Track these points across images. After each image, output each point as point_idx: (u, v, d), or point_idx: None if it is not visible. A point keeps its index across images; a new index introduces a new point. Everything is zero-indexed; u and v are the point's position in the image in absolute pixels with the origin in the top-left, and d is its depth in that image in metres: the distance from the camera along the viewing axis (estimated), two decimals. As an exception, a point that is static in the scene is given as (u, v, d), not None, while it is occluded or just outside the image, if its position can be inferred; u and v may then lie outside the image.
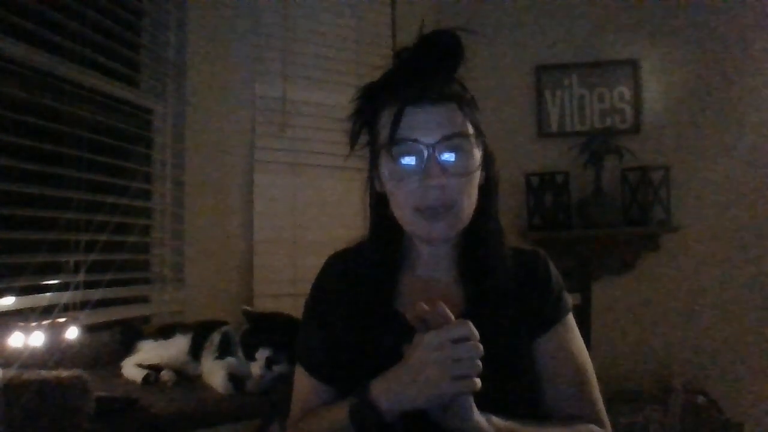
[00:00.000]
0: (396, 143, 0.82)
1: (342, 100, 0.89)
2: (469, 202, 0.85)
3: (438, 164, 0.80)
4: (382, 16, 2.56)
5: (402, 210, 0.86)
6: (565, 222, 2.68)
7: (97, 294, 1.56)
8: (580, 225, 2.67)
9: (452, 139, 0.81)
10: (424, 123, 0.81)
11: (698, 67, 2.77)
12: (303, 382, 0.93)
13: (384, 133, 0.84)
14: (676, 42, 2.79)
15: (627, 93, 2.83)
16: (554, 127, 2.88)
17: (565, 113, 2.87)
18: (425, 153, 0.81)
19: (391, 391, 0.74)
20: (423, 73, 0.83)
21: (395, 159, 0.83)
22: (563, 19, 2.89)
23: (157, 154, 1.94)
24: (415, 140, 0.81)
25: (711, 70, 2.76)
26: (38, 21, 1.44)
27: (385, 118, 0.84)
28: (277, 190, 2.23)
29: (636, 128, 2.80)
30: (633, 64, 2.82)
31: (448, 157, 0.82)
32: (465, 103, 0.85)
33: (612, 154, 2.62)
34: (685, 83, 2.78)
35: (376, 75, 0.89)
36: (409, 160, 0.83)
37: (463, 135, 0.82)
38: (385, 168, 0.86)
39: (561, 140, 2.83)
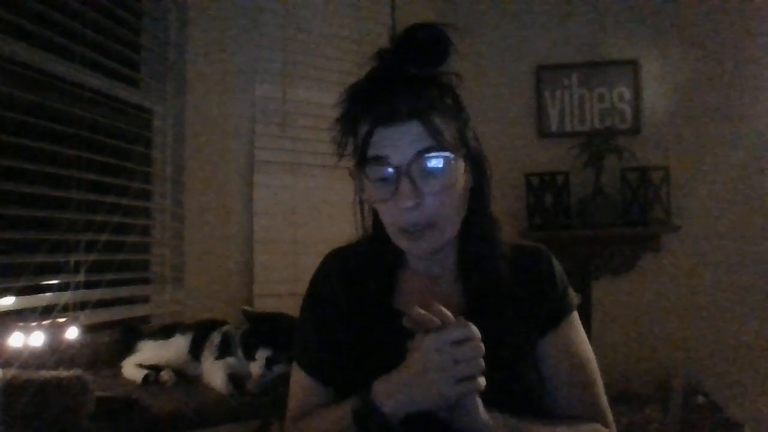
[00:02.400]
0: (367, 165, 0.81)
1: (339, 99, 0.88)
2: (452, 214, 0.83)
3: (409, 185, 0.78)
4: (382, 16, 2.56)
5: (386, 225, 0.86)
6: (565, 222, 2.68)
7: (97, 294, 1.56)
8: (580, 225, 2.67)
9: (423, 157, 0.79)
10: (395, 142, 0.79)
11: (698, 67, 2.77)
12: (300, 382, 0.92)
13: (358, 153, 0.83)
14: (676, 42, 2.80)
15: (627, 93, 2.83)
16: (554, 127, 2.88)
17: (565, 113, 2.87)
18: (396, 174, 0.79)
19: (395, 394, 0.74)
20: (399, 80, 0.80)
21: (370, 179, 0.82)
22: (563, 19, 2.89)
23: (157, 154, 1.94)
24: (386, 161, 0.79)
25: (711, 70, 2.76)
26: (38, 21, 1.44)
27: (360, 134, 0.82)
28: (277, 190, 2.23)
29: (636, 128, 2.80)
30: (633, 64, 2.82)
31: (421, 175, 0.79)
32: (442, 112, 0.81)
33: (612, 154, 2.62)
34: (685, 83, 2.78)
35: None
36: (382, 181, 0.81)
37: (437, 150, 0.79)
38: (363, 186, 0.85)
39: (561, 140, 2.83)
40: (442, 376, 0.70)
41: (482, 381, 0.71)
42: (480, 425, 0.74)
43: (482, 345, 0.71)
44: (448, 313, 0.73)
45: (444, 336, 0.71)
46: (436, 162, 0.79)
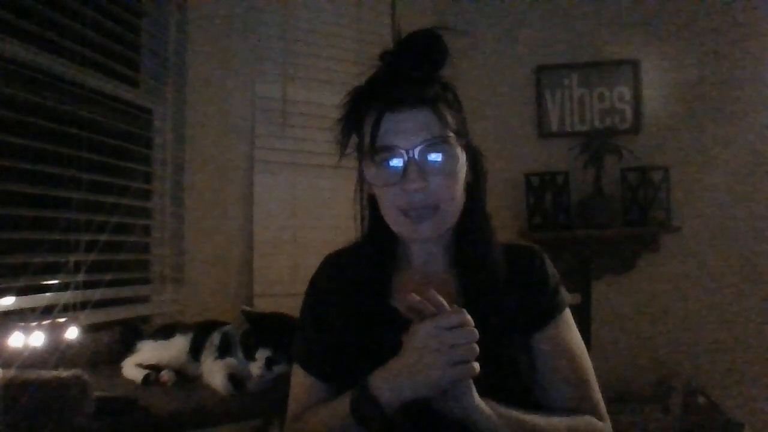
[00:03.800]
0: (376, 150, 0.85)
1: (342, 100, 0.91)
2: (453, 201, 0.87)
3: (417, 168, 0.83)
4: (382, 16, 2.56)
5: (388, 212, 0.89)
6: (565, 222, 2.68)
7: (97, 294, 1.56)
8: (580, 225, 2.67)
9: (430, 143, 0.83)
10: (403, 129, 0.83)
11: (698, 67, 2.77)
12: (300, 380, 0.94)
13: (366, 140, 0.86)
14: (676, 42, 2.79)
15: (627, 93, 2.82)
16: (554, 127, 2.88)
17: (565, 113, 2.87)
18: (404, 158, 0.83)
19: (390, 383, 0.76)
20: (403, 77, 0.85)
21: (377, 164, 0.86)
22: (563, 19, 2.89)
23: (157, 154, 1.94)
24: (394, 146, 0.84)
25: (711, 70, 2.76)
26: (38, 21, 1.44)
27: (368, 125, 0.86)
28: (277, 190, 2.23)
29: (636, 128, 2.80)
30: (633, 64, 2.82)
31: (428, 160, 0.84)
32: (445, 104, 0.86)
33: (612, 154, 2.62)
34: (685, 83, 2.78)
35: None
36: (390, 166, 0.85)
37: (442, 138, 0.84)
38: (369, 172, 0.88)
39: (561, 140, 2.83)
40: (438, 360, 0.72)
41: (476, 366, 0.73)
42: (474, 414, 0.75)
43: (476, 330, 0.74)
44: (443, 300, 0.76)
45: (439, 321, 0.74)
46: (442, 149, 0.84)
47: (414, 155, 0.83)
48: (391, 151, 0.84)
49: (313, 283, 0.98)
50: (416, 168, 0.82)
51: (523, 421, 0.79)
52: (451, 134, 0.85)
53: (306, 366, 0.93)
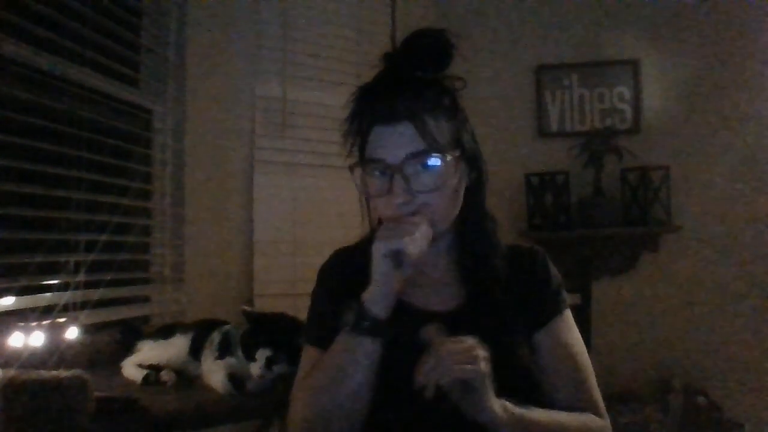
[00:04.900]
0: (364, 162, 0.86)
1: (342, 100, 0.91)
2: (443, 210, 0.87)
3: (402, 182, 0.83)
4: (382, 16, 2.56)
5: (382, 218, 0.90)
6: (565, 222, 2.68)
7: (97, 294, 1.56)
8: (580, 225, 2.67)
9: (418, 158, 0.83)
10: (392, 141, 0.84)
11: (698, 67, 2.76)
12: (310, 358, 0.92)
13: (358, 148, 0.88)
14: (676, 42, 2.79)
15: (627, 93, 2.82)
16: (554, 127, 2.88)
17: (565, 113, 2.87)
18: (390, 172, 0.84)
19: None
20: (401, 84, 0.85)
21: (367, 174, 0.88)
22: (563, 19, 2.89)
23: (157, 154, 1.94)
24: (381, 159, 0.84)
25: (711, 70, 2.76)
26: (38, 21, 1.43)
27: (362, 132, 0.87)
28: (277, 190, 2.23)
29: (636, 128, 2.80)
30: (633, 64, 2.82)
31: (414, 173, 0.84)
32: (440, 112, 0.85)
33: (612, 154, 2.62)
34: (685, 83, 2.78)
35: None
36: (377, 177, 0.86)
37: (428, 151, 0.83)
38: (359, 181, 0.90)
39: (561, 140, 2.82)
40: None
41: (484, 366, 0.73)
42: (487, 414, 0.74)
43: (474, 352, 0.73)
44: (435, 338, 0.76)
45: (436, 354, 0.73)
46: (427, 162, 0.84)
47: (399, 170, 0.83)
48: (378, 163, 0.85)
49: (323, 272, 0.99)
50: (401, 182, 0.83)
51: (538, 422, 0.80)
52: (440, 145, 0.84)
53: (320, 342, 0.91)
